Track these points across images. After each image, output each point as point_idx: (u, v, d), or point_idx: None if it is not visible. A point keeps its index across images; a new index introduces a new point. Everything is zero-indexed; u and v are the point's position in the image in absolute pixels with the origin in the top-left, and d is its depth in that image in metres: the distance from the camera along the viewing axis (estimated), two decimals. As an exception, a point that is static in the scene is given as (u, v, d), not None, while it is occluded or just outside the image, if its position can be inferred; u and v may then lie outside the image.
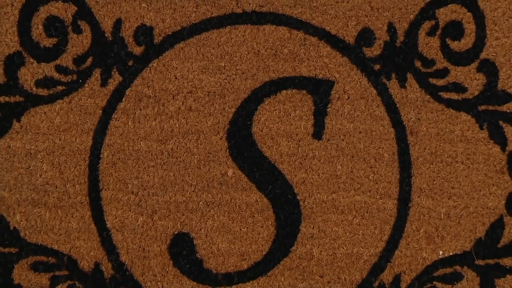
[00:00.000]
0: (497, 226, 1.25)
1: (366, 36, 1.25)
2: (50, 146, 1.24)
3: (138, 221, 1.24)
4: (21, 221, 1.23)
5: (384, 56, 1.25)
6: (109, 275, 1.24)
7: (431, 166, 1.26)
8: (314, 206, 1.25)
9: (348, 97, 1.26)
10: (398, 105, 1.25)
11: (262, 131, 1.25)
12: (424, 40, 1.25)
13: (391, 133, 1.26)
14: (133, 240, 1.24)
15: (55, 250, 1.23)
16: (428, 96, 1.25)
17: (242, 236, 1.25)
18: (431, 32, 1.25)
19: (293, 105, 1.25)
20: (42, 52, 1.22)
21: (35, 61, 1.22)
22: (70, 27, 1.22)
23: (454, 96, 1.25)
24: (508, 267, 1.25)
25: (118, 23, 1.23)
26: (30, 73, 1.22)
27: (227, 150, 1.25)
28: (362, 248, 1.25)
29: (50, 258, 1.23)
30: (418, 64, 1.25)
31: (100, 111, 1.23)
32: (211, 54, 1.24)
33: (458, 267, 1.25)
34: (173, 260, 1.24)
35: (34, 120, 1.22)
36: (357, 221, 1.25)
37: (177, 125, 1.24)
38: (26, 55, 1.22)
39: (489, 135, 1.25)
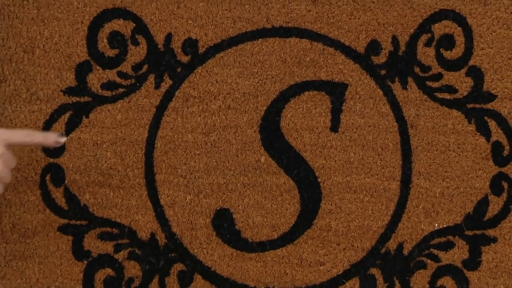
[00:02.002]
0: (483, 203, 1.33)
1: (374, 46, 1.32)
2: (113, 138, 1.31)
3: (186, 199, 1.32)
4: (89, 199, 1.31)
5: (389, 63, 1.32)
6: (162, 243, 1.31)
7: (428, 153, 1.33)
8: (331, 187, 1.33)
9: (359, 97, 1.33)
10: (400, 104, 1.33)
11: (288, 125, 1.32)
12: (422, 50, 1.32)
13: (394, 126, 1.33)
14: (183, 215, 1.32)
15: (118, 222, 1.31)
16: (425, 96, 1.33)
17: (272, 211, 1.32)
18: (427, 43, 1.32)
19: (314, 104, 1.32)
20: (106, 60, 1.30)
21: (100, 68, 1.31)
22: (129, 40, 1.31)
23: (447, 96, 1.33)
24: (492, 236, 1.32)
25: (168, 37, 1.31)
26: (97, 78, 1.31)
27: (260, 141, 1.32)
28: (371, 221, 1.33)
29: (113, 229, 1.31)
30: (417, 69, 1.32)
31: (154, 109, 1.31)
32: (246, 62, 1.32)
33: (450, 237, 1.32)
34: (215, 231, 1.32)
35: (100, 116, 1.31)
36: (367, 199, 1.32)
37: (218, 121, 1.32)
38: (93, 63, 1.30)
39: (476, 128, 1.32)
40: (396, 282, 1.33)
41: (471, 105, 1.33)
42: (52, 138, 1.14)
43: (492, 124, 1.33)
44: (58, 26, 1.30)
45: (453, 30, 1.32)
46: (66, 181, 1.30)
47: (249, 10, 1.31)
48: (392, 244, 1.33)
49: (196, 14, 1.31)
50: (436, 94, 1.33)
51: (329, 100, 1.33)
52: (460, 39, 1.32)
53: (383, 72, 1.33)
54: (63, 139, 1.16)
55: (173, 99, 1.32)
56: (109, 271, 1.31)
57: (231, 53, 1.32)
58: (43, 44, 1.30)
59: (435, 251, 1.33)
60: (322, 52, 1.32)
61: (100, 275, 1.31)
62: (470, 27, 1.32)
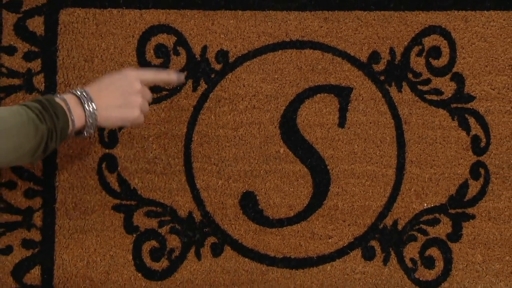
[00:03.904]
0: (463, 187, 1.36)
1: (375, 56, 1.36)
2: (158, 132, 1.35)
3: (218, 183, 1.35)
4: (138, 183, 1.34)
5: (387, 70, 1.36)
6: (198, 220, 1.35)
7: (419, 145, 1.36)
8: (339, 173, 1.36)
9: (362, 99, 1.36)
10: (396, 104, 1.35)
11: (303, 122, 1.36)
12: (414, 59, 1.36)
13: (391, 123, 1.36)
14: (215, 196, 1.35)
15: (161, 203, 1.34)
16: (417, 98, 1.36)
17: (289, 193, 1.35)
18: (419, 54, 1.36)
19: (325, 104, 1.36)
20: (153, 68, 1.34)
21: None
22: (171, 51, 1.34)
23: (434, 97, 1.36)
24: (471, 214, 1.36)
25: (204, 48, 1.35)
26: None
27: (279, 135, 1.35)
28: (372, 201, 1.35)
29: (158, 208, 1.35)
30: (410, 75, 1.36)
31: (192, 109, 1.35)
32: (268, 69, 1.35)
33: (437, 214, 1.35)
34: (242, 210, 1.35)
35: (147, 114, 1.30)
36: (368, 183, 1.35)
37: (244, 118, 1.35)
38: None
39: (458, 124, 1.36)
40: (392, 252, 1.35)
41: (454, 105, 1.36)
42: (173, 74, 1.22)
43: (471, 120, 1.36)
44: (113, 39, 1.34)
45: (440, 42, 1.35)
46: (118, 168, 1.34)
47: (271, 26, 1.34)
48: (388, 221, 1.35)
49: (227, 29, 1.34)
50: (426, 96, 1.36)
51: (337, 101, 1.35)
52: (445, 50, 1.36)
53: (382, 77, 1.35)
54: (182, 76, 1.23)
55: (208, 100, 1.35)
56: (154, 243, 1.34)
57: (256, 62, 1.34)
58: (101, 54, 1.33)
59: (424, 226, 1.36)
60: (331, 61, 1.35)
61: (147, 246, 1.34)
62: (454, 40, 1.35)
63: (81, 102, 1.11)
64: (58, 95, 1.12)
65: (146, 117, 1.28)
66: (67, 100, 1.10)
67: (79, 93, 1.11)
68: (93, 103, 1.11)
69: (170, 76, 1.21)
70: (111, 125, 1.15)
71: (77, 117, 1.10)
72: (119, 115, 1.13)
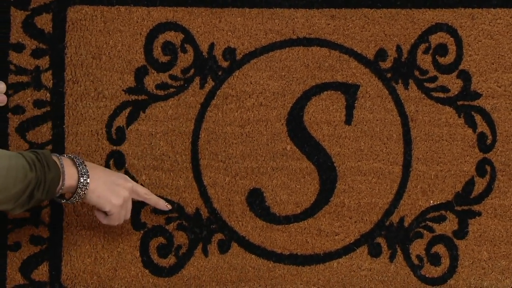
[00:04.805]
0: (470, 184, 1.36)
1: (381, 54, 1.36)
2: (165, 129, 1.35)
3: (225, 180, 1.35)
4: (145, 179, 1.35)
5: (393, 68, 1.36)
6: (205, 217, 1.35)
7: (425, 142, 1.36)
8: (346, 170, 1.36)
9: (369, 96, 1.36)
10: (403, 101, 1.36)
11: (310, 119, 1.36)
12: (421, 56, 1.36)
13: (398, 120, 1.36)
14: (222, 193, 1.35)
15: (169, 199, 1.34)
16: (423, 95, 1.36)
17: (296, 190, 1.36)
18: (425, 51, 1.36)
19: (331, 101, 1.36)
20: (160, 65, 1.35)
21: (155, 71, 1.35)
22: (179, 49, 1.35)
23: (441, 95, 1.36)
24: (477, 211, 1.36)
25: (211, 46, 1.35)
26: (152, 80, 1.35)
27: (286, 132, 1.36)
28: (378, 199, 1.36)
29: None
30: (417, 73, 1.36)
31: (199, 106, 1.35)
32: (276, 67, 1.35)
33: (443, 212, 1.36)
34: (249, 207, 1.36)
35: (154, 111, 1.35)
36: (375, 180, 1.36)
37: (252, 115, 1.35)
38: (149, 68, 1.35)
39: (464, 121, 1.36)
40: (398, 249, 1.35)
41: (461, 102, 1.36)
42: (162, 204, 1.29)
43: (478, 118, 1.36)
44: (121, 36, 1.34)
45: (446, 40, 1.36)
46: (126, 165, 1.34)
47: (278, 24, 1.35)
48: (395, 218, 1.36)
49: (235, 27, 1.34)
50: (432, 93, 1.36)
51: (344, 98, 1.36)
52: (452, 48, 1.36)
53: (389, 75, 1.35)
54: (169, 207, 1.30)
55: (215, 98, 1.35)
56: (161, 239, 1.35)
57: (263, 59, 1.35)
58: (108, 52, 1.34)
59: (430, 223, 1.36)
60: (338, 58, 1.35)
61: (154, 243, 1.35)
62: (461, 37, 1.36)
63: (75, 163, 1.15)
64: (56, 154, 1.16)
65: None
66: (62, 159, 1.14)
67: (73, 156, 1.17)
68: (86, 167, 1.15)
69: (159, 203, 1.28)
70: (95, 198, 1.17)
71: (69, 175, 1.13)
72: (106, 192, 1.16)
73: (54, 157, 1.14)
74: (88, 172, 1.15)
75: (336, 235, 1.36)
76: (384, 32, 1.36)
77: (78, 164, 1.15)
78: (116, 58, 1.35)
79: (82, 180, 1.14)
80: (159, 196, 1.35)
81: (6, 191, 1.03)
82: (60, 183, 1.12)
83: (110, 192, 1.17)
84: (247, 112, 1.36)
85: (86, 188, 1.14)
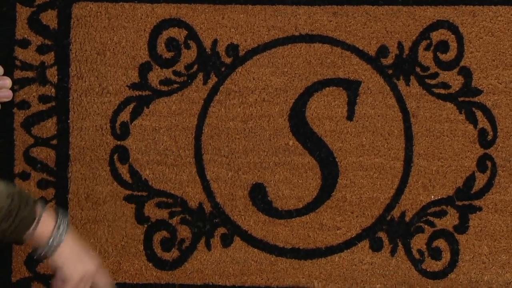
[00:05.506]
0: (470, 179, 1.36)
1: (383, 50, 1.36)
2: (168, 124, 1.36)
3: (228, 175, 1.36)
4: (149, 174, 1.36)
5: (395, 64, 1.36)
6: (208, 211, 1.37)
7: (426, 138, 1.37)
8: (347, 165, 1.37)
9: (371, 92, 1.37)
10: (404, 98, 1.36)
11: (312, 115, 1.37)
12: (422, 53, 1.36)
13: (399, 116, 1.37)
14: (225, 188, 1.36)
15: (172, 193, 1.36)
16: (425, 91, 1.37)
17: (299, 185, 1.37)
18: (427, 48, 1.36)
19: (333, 97, 1.37)
20: (164, 61, 1.36)
21: (159, 67, 1.36)
22: (182, 45, 1.36)
23: (442, 91, 1.37)
24: (478, 206, 1.36)
25: (215, 42, 1.36)
26: (156, 76, 1.36)
27: (289, 127, 1.37)
28: (379, 193, 1.37)
29: (168, 199, 1.36)
30: (418, 69, 1.36)
31: (202, 101, 1.36)
32: (278, 63, 1.36)
33: (444, 206, 1.36)
34: (252, 201, 1.37)
35: (158, 107, 1.36)
36: (376, 175, 1.36)
37: (254, 111, 1.36)
38: (153, 64, 1.36)
39: (465, 117, 1.36)
40: (399, 243, 1.36)
41: (462, 99, 1.36)
42: None
43: (478, 114, 1.36)
44: (125, 33, 1.36)
45: (447, 37, 1.36)
46: (130, 160, 1.36)
47: (280, 20, 1.35)
48: (396, 213, 1.36)
49: (237, 24, 1.35)
50: (433, 89, 1.37)
51: (345, 94, 1.37)
52: (453, 44, 1.36)
53: (390, 71, 1.36)
54: None
55: (218, 93, 1.36)
56: (164, 233, 1.36)
57: (266, 56, 1.36)
58: (113, 48, 1.36)
59: (431, 218, 1.37)
60: (340, 55, 1.36)
61: (157, 237, 1.36)
62: (462, 34, 1.36)
63: (56, 215, 1.05)
64: (43, 204, 1.06)
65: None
66: (45, 207, 1.05)
67: (57, 211, 1.07)
68: (67, 221, 1.06)
69: None
70: (63, 259, 1.05)
71: (45, 222, 1.03)
72: (74, 257, 1.05)
73: (38, 204, 1.04)
74: (67, 228, 1.05)
75: (337, 230, 1.37)
76: (385, 29, 1.36)
77: (59, 216, 1.05)
78: (120, 54, 1.36)
79: (59, 230, 1.04)
80: (163, 191, 1.36)
81: None
82: (33, 226, 1.02)
83: (79, 259, 1.06)
84: (250, 107, 1.37)
85: (62, 239, 1.04)
